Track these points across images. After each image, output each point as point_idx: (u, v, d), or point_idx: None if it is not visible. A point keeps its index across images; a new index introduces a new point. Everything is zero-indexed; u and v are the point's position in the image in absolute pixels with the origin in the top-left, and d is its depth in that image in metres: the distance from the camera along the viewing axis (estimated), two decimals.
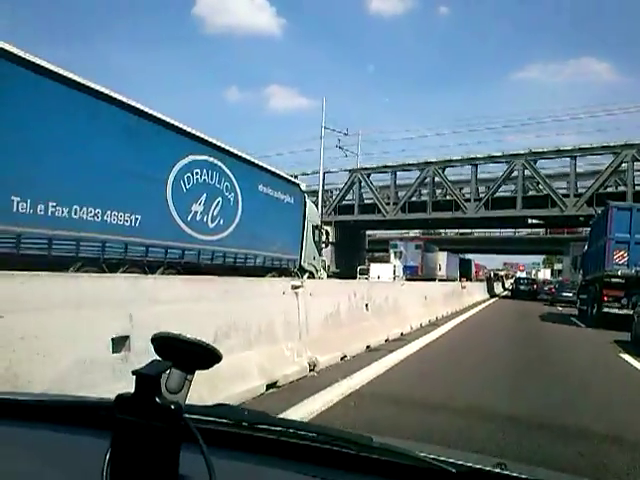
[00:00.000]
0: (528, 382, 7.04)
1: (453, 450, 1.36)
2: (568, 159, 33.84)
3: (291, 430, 1.13)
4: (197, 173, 13.25)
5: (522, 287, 40.28)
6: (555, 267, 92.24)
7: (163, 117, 12.26)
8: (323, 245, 21.46)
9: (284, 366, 5.80)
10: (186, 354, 0.86)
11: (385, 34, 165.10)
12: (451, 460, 1.02)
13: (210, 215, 13.67)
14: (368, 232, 57.22)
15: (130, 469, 0.76)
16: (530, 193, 37.30)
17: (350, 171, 43.20)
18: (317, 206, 45.26)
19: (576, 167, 33.68)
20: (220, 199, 14.00)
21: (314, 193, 45.80)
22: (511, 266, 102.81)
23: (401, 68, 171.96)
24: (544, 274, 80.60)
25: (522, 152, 35.10)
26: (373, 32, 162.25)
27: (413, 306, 12.24)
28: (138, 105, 11.43)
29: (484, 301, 29.25)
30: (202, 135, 13.59)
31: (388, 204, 40.68)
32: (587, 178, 35.02)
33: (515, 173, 35.74)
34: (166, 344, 0.86)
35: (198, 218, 13.26)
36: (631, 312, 14.24)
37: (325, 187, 46.31)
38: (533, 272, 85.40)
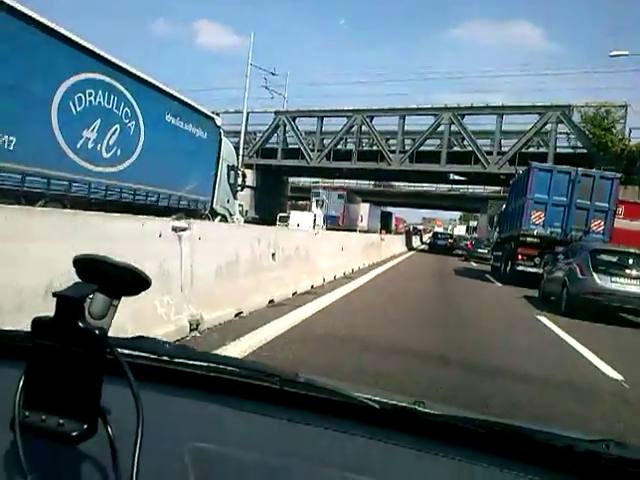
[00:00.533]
0: (440, 330, 7.38)
1: (375, 389, 1.36)
2: (495, 117, 33.72)
3: (214, 364, 1.14)
4: (91, 94, 11.43)
5: (439, 241, 40.77)
6: (471, 224, 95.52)
7: (51, 24, 10.29)
8: (239, 188, 20.00)
9: (155, 326, 4.60)
10: (112, 278, 0.79)
11: None
12: (375, 397, 1.06)
13: (105, 144, 11.93)
14: (292, 179, 56.04)
15: (47, 398, 0.71)
16: (455, 149, 37.15)
17: (275, 113, 41.33)
18: (239, 148, 43.38)
19: (502, 125, 33.69)
20: (118, 126, 12.24)
21: (237, 134, 43.76)
22: (429, 221, 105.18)
23: (341, 17, 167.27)
24: (460, 230, 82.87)
25: (450, 106, 34.64)
26: None
27: (327, 257, 11.27)
28: (15, 4, 9.42)
29: (402, 254, 29.09)
30: (100, 52, 11.67)
31: (313, 150, 39.40)
32: (511, 137, 35.14)
33: (442, 127, 35.35)
34: (90, 267, 0.79)
35: (90, 146, 11.51)
36: (541, 271, 14.55)
37: (249, 129, 44.33)
38: (450, 228, 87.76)
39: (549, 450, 0.97)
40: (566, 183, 16.50)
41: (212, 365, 1.13)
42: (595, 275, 10.40)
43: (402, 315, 8.48)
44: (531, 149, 34.40)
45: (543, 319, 9.78)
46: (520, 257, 16.80)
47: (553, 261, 13.59)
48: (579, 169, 17.20)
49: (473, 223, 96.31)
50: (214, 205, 17.53)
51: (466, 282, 17.34)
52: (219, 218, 17.97)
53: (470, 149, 34.41)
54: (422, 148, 36.29)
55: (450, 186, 55.53)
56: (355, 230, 39.29)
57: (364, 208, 49.69)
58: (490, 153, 33.53)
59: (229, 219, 18.94)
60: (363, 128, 38.10)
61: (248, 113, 43.03)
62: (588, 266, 10.60)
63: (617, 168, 24.48)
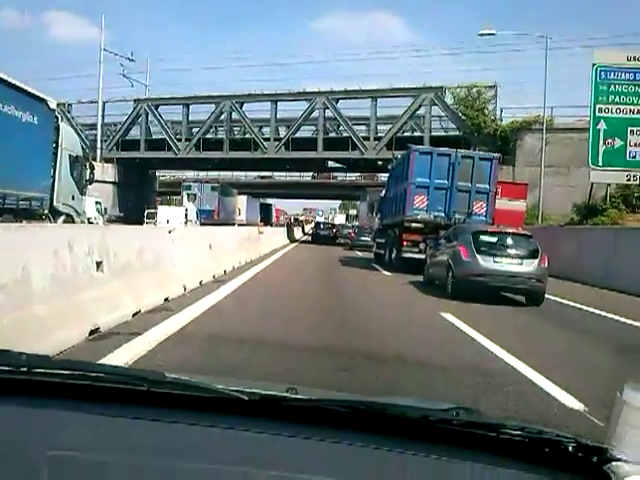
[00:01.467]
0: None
1: (248, 381, 1.41)
2: (369, 101, 32.79)
3: (76, 372, 1.12)
4: None
5: (322, 232, 39.46)
6: (350, 212, 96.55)
7: None
8: (87, 182, 16.85)
9: None
10: None
11: None
12: (244, 389, 1.09)
13: None
14: (163, 174, 52.08)
15: None
16: (332, 135, 35.87)
17: (135, 101, 37.52)
18: (96, 141, 39.18)
19: (376, 110, 32.83)
20: None
21: (94, 127, 39.30)
22: (310, 211, 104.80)
23: (207, 7, 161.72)
24: (340, 219, 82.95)
25: (323, 90, 33.23)
26: None
27: (190, 259, 8.98)
28: None
29: (284, 247, 27.25)
30: None
31: (180, 141, 36.25)
32: (387, 123, 34.40)
33: (316, 113, 33.82)
34: None
35: None
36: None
37: (109, 120, 39.99)
38: (330, 217, 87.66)
39: (406, 422, 1.06)
40: (447, 165, 16.03)
41: (76, 373, 1.10)
42: (479, 257, 10.33)
43: (286, 326, 6.62)
44: (406, 134, 33.95)
45: (432, 302, 9.82)
46: (405, 244, 16.24)
47: (435, 245, 13.26)
48: (459, 151, 16.75)
49: (353, 212, 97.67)
50: (55, 203, 14.37)
51: (353, 272, 16.39)
52: (63, 218, 14.83)
53: (347, 135, 33.22)
54: (298, 135, 34.55)
55: (329, 174, 54.73)
56: (233, 224, 36.99)
57: (242, 200, 47.32)
58: (367, 139, 32.58)
59: (77, 219, 15.78)
60: (234, 116, 35.60)
61: (104, 103, 38.90)
62: (471, 248, 10.50)
63: (492, 149, 24.50)
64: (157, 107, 37.16)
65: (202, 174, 50.08)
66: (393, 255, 17.16)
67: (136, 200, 38.53)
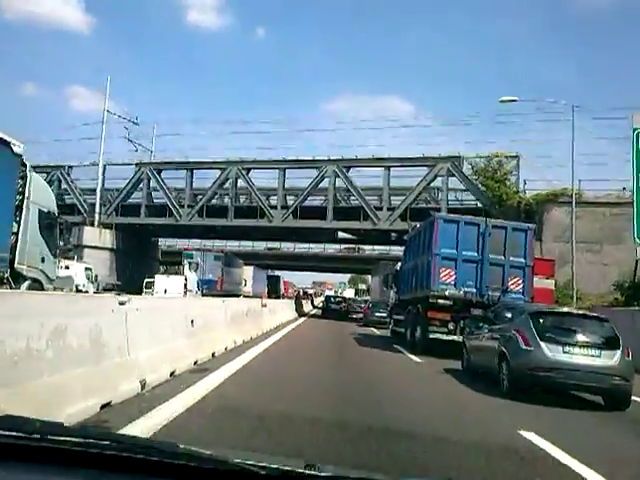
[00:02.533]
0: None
1: (265, 455, 1.44)
2: (382, 171, 31.17)
3: (88, 440, 1.10)
4: None
5: (333, 305, 36.85)
6: (360, 287, 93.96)
7: None
8: (61, 242, 14.67)
9: None
10: None
11: (202, 47, 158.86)
12: (262, 464, 1.07)
13: None
14: (167, 243, 50.28)
15: None
16: (342, 205, 34.11)
17: (137, 165, 36.20)
18: (95, 205, 37.59)
19: (389, 180, 31.15)
20: None
21: (93, 191, 37.79)
22: (320, 285, 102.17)
23: (217, 83, 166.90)
24: (349, 293, 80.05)
25: (334, 158, 31.74)
26: (190, 43, 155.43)
27: (157, 342, 6.55)
28: None
29: (291, 321, 24.69)
30: None
31: (182, 207, 34.55)
32: (400, 194, 32.66)
33: (326, 182, 32.19)
34: None
35: None
36: (458, 337, 12.98)
37: (110, 186, 38.56)
38: (340, 291, 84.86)
39: None
40: (475, 236, 14.49)
41: (89, 441, 1.09)
42: (543, 345, 8.08)
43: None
44: (421, 205, 32.12)
45: (491, 405, 7.56)
46: (431, 323, 14.38)
47: (476, 326, 11.07)
48: (489, 220, 15.16)
49: (362, 286, 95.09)
50: (17, 265, 12.11)
51: (374, 356, 13.91)
52: (27, 284, 12.51)
53: (358, 204, 31.39)
54: (306, 203, 32.77)
55: (339, 246, 52.80)
56: (238, 295, 34.65)
57: (248, 271, 45.07)
58: (380, 209, 30.74)
59: (47, 285, 13.41)
60: (240, 183, 34.06)
61: (105, 166, 37.65)
62: (533, 334, 8.27)
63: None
64: (160, 172, 35.79)
65: (208, 244, 48.27)
66: (417, 335, 15.10)
67: (136, 268, 36.51)
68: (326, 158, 31.82)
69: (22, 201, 12.24)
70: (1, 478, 0.70)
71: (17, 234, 12.08)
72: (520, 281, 14.35)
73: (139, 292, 28.35)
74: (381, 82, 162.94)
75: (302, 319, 29.74)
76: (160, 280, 29.05)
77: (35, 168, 37.93)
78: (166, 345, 6.83)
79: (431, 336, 14.10)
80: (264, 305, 16.78)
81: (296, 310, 31.96)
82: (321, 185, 32.86)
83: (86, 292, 24.60)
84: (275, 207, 32.59)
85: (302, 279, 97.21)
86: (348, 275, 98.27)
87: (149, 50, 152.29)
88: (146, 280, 31.08)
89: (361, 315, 33.11)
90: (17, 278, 12.19)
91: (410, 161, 30.25)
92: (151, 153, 41.77)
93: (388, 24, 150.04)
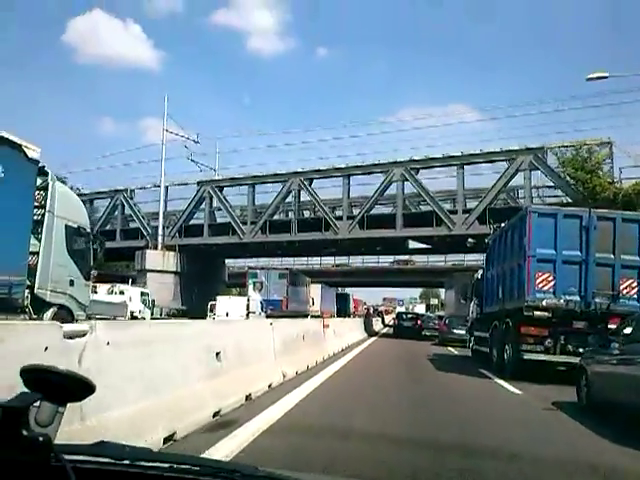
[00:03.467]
0: None
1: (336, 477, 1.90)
2: (455, 170, 28.37)
3: (174, 465, 1.17)
4: None
5: (405, 323, 34.02)
6: (432, 302, 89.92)
7: None
8: (94, 264, 13.03)
9: None
10: (58, 386, 0.81)
11: (263, 71, 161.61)
12: None
13: None
14: (232, 263, 49.29)
15: None
16: (412, 211, 31.49)
17: (198, 184, 35.18)
18: (158, 226, 36.92)
19: (464, 180, 28.31)
20: None
21: (157, 215, 37.15)
22: (390, 301, 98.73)
23: (275, 104, 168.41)
24: (420, 309, 76.44)
25: (401, 160, 29.28)
26: (250, 68, 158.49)
27: (144, 394, 4.42)
28: None
29: (359, 343, 22.29)
30: None
31: (245, 224, 33.08)
32: (475, 197, 29.76)
33: (393, 188, 29.72)
34: (36, 376, 0.81)
35: None
36: (557, 358, 11.51)
37: (172, 209, 37.82)
38: (410, 307, 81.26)
39: None
40: (577, 231, 12.00)
41: (174, 466, 1.16)
42: None
43: None
44: (499, 205, 29.00)
45: None
46: (524, 340, 11.83)
47: (604, 345, 8.14)
48: (593, 211, 12.44)
49: (434, 301, 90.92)
50: (37, 290, 10.53)
51: (457, 384, 11.28)
52: (52, 311, 10.91)
53: (429, 209, 28.67)
54: (373, 212, 30.42)
55: (409, 257, 49.96)
56: (306, 315, 32.67)
57: (315, 289, 43.01)
58: (454, 212, 27.92)
59: (77, 312, 11.77)
60: (303, 196, 32.24)
61: (167, 187, 36.91)
62: None
63: None
64: (221, 189, 34.60)
65: (276, 262, 46.80)
66: (507, 355, 12.63)
67: (202, 292, 35.29)
68: (393, 161, 29.41)
69: (43, 215, 10.74)
70: None
71: (38, 254, 10.58)
72: (635, 284, 11.72)
73: (204, 316, 26.98)
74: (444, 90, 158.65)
75: (372, 339, 27.17)
76: (222, 302, 27.45)
77: (98, 194, 37.79)
78: (165, 395, 4.69)
79: (525, 356, 11.63)
80: (326, 326, 14.51)
81: (365, 330, 29.45)
82: (389, 192, 30.44)
83: (142, 318, 23.45)
84: (340, 218, 30.43)
85: (372, 295, 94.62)
86: (419, 290, 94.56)
87: (213, 78, 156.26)
88: (210, 303, 29.71)
89: (435, 332, 30.16)
90: (40, 305, 10.66)
91: (487, 156, 27.29)
92: (214, 172, 40.95)
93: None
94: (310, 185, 31.61)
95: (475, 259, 48.07)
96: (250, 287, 32.83)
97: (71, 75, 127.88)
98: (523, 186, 27.12)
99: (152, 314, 24.70)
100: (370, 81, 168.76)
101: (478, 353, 16.68)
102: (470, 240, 31.98)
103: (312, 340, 12.23)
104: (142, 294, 24.91)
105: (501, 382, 11.25)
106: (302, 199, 33.08)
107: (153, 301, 25.82)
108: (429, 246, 34.24)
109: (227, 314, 26.70)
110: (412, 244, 35.04)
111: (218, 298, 27.86)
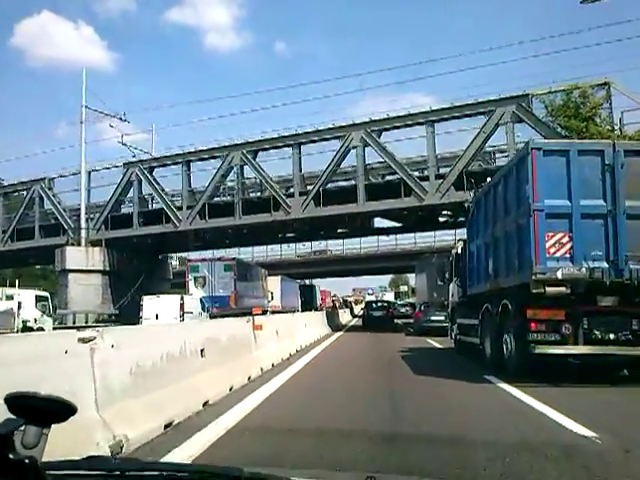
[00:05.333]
0: None
1: (324, 471, 1.46)
2: (423, 130, 23.88)
3: (164, 473, 1.20)
4: None
5: (375, 313, 29.65)
6: (401, 289, 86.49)
7: None
8: None
9: None
10: (40, 410, 0.85)
11: (220, 68, 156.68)
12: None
13: None
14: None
15: None
16: (376, 182, 26.89)
17: (125, 166, 29.92)
18: (79, 218, 31.52)
19: (435, 141, 23.82)
20: None
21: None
22: (360, 291, 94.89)
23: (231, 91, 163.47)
24: (389, 297, 72.55)
25: (360, 122, 24.67)
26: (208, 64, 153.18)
27: None
28: None
29: (319, 341, 17.67)
30: None
31: (181, 209, 28.03)
32: (448, 165, 25.32)
33: (353, 158, 25.06)
34: (19, 403, 0.85)
35: None
36: (580, 349, 8.46)
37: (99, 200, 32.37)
38: (380, 295, 77.30)
39: None
40: (599, 172, 8.77)
41: (165, 474, 1.18)
42: None
43: None
44: (476, 168, 24.63)
45: None
46: (534, 327, 8.66)
47: None
48: (619, 143, 9.38)
49: (403, 288, 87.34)
50: None
51: (449, 396, 7.17)
52: None
53: (396, 179, 24.12)
54: (330, 187, 25.70)
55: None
56: (265, 312, 28.06)
57: (274, 282, 38.33)
58: (425, 179, 23.46)
59: None
60: (247, 172, 27.38)
61: (89, 173, 31.49)
62: None
63: None
64: (152, 171, 29.41)
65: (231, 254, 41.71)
66: (507, 349, 9.44)
67: (142, 293, 30.12)
68: (350, 123, 24.74)
69: None
70: None
71: None
72: None
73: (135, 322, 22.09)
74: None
75: (337, 334, 22.62)
76: (149, 303, 22.38)
77: (13, 186, 31.83)
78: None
79: (537, 350, 8.41)
80: (257, 327, 9.68)
81: (329, 323, 24.83)
82: (348, 163, 25.83)
83: (39, 329, 18.27)
84: (292, 195, 25.67)
85: (342, 287, 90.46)
86: (389, 278, 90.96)
87: (171, 77, 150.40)
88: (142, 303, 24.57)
89: (407, 321, 26.12)
90: None
91: (460, 110, 22.86)
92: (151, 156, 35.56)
93: None
94: (255, 159, 26.71)
95: (447, 239, 44.23)
96: (191, 283, 27.85)
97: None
98: (505, 145, 22.77)
99: (54, 323, 19.50)
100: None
101: (464, 345, 13.14)
102: (444, 214, 27.71)
103: (224, 354, 7.42)
104: (39, 298, 19.70)
105: (504, 386, 7.69)
106: (248, 177, 28.20)
107: (55, 307, 20.61)
108: (399, 224, 29.76)
109: (157, 317, 21.69)
110: (379, 222, 30.60)
111: (144, 298, 22.76)
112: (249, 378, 8.31)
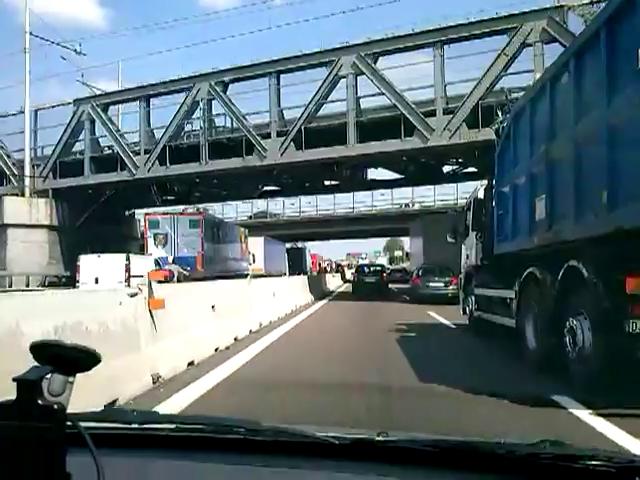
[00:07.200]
0: None
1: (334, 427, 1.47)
2: (430, 54, 19.30)
3: (180, 425, 1.23)
4: None
5: (367, 278, 25.55)
6: (396, 254, 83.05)
7: None
8: None
9: None
10: (65, 359, 0.86)
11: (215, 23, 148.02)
12: (334, 434, 1.13)
13: None
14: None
15: (16, 474, 0.75)
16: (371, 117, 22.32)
17: (75, 102, 25.26)
18: (24, 165, 26.96)
19: (443, 67, 19.22)
20: None
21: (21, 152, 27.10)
22: (354, 256, 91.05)
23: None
24: (381, 262, 68.74)
25: (353, 43, 20.05)
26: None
27: None
28: None
29: (290, 316, 13.59)
30: None
31: (139, 154, 23.56)
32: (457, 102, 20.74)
33: (343, 89, 20.53)
34: (45, 351, 0.86)
35: None
36: None
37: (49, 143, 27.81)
38: (374, 260, 73.45)
39: (493, 458, 1.05)
40: None
41: (179, 426, 1.21)
42: None
43: None
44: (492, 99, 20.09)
45: None
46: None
47: None
48: None
49: (398, 253, 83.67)
50: None
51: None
52: None
53: (395, 115, 19.62)
54: (314, 126, 21.13)
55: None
56: (246, 276, 23.98)
57: (256, 243, 34.19)
58: (431, 114, 18.97)
59: None
60: (215, 106, 22.83)
61: (36, 111, 26.87)
62: None
63: None
64: (106, 109, 24.80)
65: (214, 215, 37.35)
66: (579, 344, 5.43)
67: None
68: (340, 46, 20.11)
69: None
70: (109, 463, 0.78)
71: None
72: None
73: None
74: None
75: (319, 304, 18.61)
76: (87, 264, 18.17)
77: None
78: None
79: None
80: (155, 305, 5.46)
81: (310, 291, 20.71)
82: (338, 96, 21.30)
83: None
84: (269, 136, 21.19)
85: (336, 251, 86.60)
86: (384, 242, 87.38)
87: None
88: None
89: (402, 286, 22.34)
90: None
91: (477, 27, 18.23)
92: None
93: None
94: (225, 92, 22.13)
95: (448, 199, 40.02)
96: (150, 241, 23.60)
97: None
98: (532, 72, 18.23)
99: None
100: None
101: (484, 325, 9.62)
102: (451, 162, 23.39)
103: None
104: None
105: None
106: (217, 114, 23.65)
107: None
108: (400, 175, 25.40)
109: (97, 280, 17.53)
110: (374, 174, 26.26)
111: (80, 258, 18.57)
112: (129, 395, 4.19)
